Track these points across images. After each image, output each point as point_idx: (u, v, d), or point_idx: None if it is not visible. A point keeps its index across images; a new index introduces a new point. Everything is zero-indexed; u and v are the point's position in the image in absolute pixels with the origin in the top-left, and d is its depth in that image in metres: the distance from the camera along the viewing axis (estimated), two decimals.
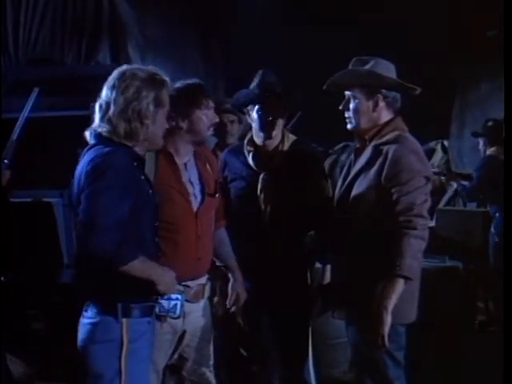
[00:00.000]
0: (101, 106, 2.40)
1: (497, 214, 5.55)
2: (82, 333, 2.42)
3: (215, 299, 3.24)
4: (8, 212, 2.84)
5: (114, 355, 2.35)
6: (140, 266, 2.33)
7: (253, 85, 3.15)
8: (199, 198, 2.82)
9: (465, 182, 5.98)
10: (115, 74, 2.42)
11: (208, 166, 2.92)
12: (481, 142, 5.95)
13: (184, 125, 2.76)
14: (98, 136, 2.41)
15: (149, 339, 2.47)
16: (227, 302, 3.03)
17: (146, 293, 2.42)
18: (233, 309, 3.04)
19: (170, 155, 2.78)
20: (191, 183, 2.82)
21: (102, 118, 2.39)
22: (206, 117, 2.79)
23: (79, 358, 2.40)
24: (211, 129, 2.85)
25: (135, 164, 2.40)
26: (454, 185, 6.47)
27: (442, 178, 6.45)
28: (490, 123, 5.87)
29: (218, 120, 2.91)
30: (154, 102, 2.41)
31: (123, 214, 2.29)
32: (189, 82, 2.84)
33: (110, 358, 2.36)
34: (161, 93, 2.43)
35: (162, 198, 2.65)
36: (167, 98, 2.48)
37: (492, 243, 5.60)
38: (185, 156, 2.82)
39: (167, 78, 2.49)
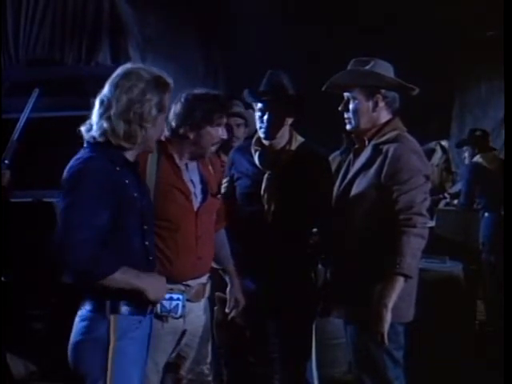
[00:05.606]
0: (102, 102, 2.34)
1: (486, 214, 5.79)
2: (73, 330, 2.37)
3: (215, 308, 3.21)
4: (8, 212, 2.84)
5: (100, 354, 2.29)
6: (122, 278, 2.26)
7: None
8: (200, 197, 2.82)
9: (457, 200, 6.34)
10: (120, 71, 2.38)
11: (210, 167, 2.93)
12: (466, 151, 6.20)
13: (191, 136, 2.76)
14: (88, 141, 2.37)
15: (138, 339, 2.38)
16: (226, 308, 3.02)
17: (138, 300, 2.35)
18: (232, 313, 3.02)
19: (171, 157, 2.78)
20: (192, 183, 2.82)
21: (101, 115, 2.33)
22: (215, 132, 2.78)
23: (69, 356, 2.35)
24: (215, 145, 2.84)
25: (117, 169, 2.33)
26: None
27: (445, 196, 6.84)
28: (478, 133, 6.20)
29: (225, 137, 2.89)
30: (157, 107, 2.37)
31: (100, 223, 2.24)
32: (209, 93, 2.82)
33: (96, 357, 2.30)
34: (164, 97, 2.40)
35: (163, 197, 2.67)
36: (168, 103, 2.45)
37: (481, 241, 5.78)
38: (186, 159, 2.83)
39: (171, 81, 2.45)
